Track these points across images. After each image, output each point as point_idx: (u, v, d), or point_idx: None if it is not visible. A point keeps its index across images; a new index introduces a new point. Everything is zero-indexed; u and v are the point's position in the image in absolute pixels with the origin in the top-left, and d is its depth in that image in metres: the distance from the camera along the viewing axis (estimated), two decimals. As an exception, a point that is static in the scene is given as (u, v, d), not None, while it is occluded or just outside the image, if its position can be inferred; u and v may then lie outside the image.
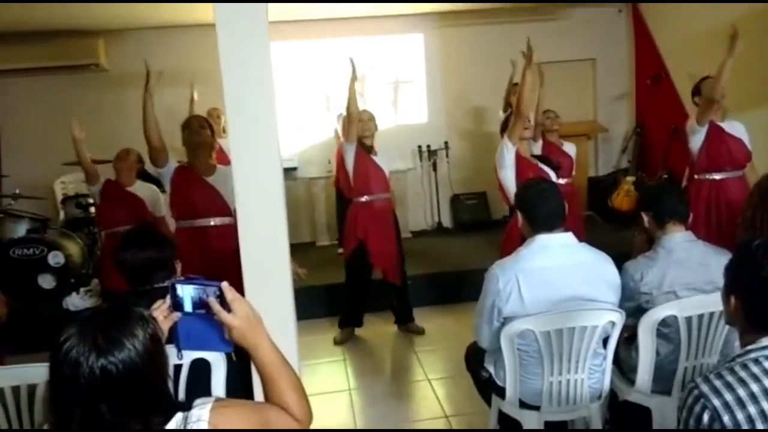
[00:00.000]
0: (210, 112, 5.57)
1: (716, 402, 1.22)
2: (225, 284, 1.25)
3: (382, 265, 4.14)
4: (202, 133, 3.34)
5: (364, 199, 4.08)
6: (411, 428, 3.05)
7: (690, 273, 2.23)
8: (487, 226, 6.39)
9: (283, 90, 6.27)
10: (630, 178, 5.97)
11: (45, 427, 1.18)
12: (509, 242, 2.94)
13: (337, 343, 4.21)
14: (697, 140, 3.55)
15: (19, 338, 3.81)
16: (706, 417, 1.23)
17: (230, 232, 3.24)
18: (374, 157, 4.10)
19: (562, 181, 4.35)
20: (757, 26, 4.86)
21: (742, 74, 4.74)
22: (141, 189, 4.00)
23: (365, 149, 4.07)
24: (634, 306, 2.27)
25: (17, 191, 5.06)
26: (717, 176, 3.55)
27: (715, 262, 2.20)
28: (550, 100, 5.02)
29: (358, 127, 3.99)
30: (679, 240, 2.30)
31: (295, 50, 6.46)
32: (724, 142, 3.51)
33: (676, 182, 4.52)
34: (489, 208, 6.69)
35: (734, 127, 3.58)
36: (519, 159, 3.43)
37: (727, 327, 2.14)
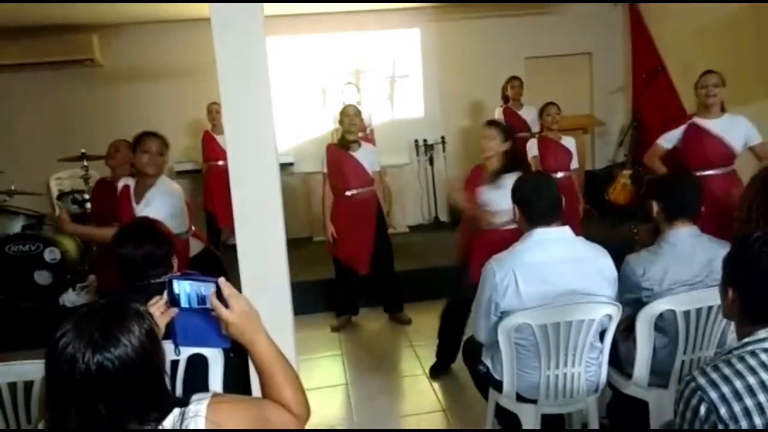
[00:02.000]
0: (210, 108, 5.57)
1: (713, 394, 1.22)
2: (222, 280, 1.25)
3: (345, 255, 4.18)
4: (159, 163, 3.06)
5: (345, 194, 4.14)
6: (408, 421, 3.06)
7: (694, 269, 2.20)
8: (484, 220, 6.39)
9: (279, 85, 6.25)
10: (626, 172, 5.96)
11: (41, 423, 1.18)
12: (478, 252, 2.91)
13: (334, 329, 4.27)
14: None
15: (14, 335, 3.81)
16: (702, 409, 1.23)
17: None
18: (354, 153, 4.12)
19: (560, 174, 4.38)
20: (753, 19, 4.85)
21: (737, 67, 4.75)
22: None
23: (343, 146, 4.11)
24: (634, 298, 2.26)
25: (12, 187, 5.03)
26: (703, 173, 3.53)
27: (720, 256, 2.19)
28: (547, 95, 5.03)
29: (344, 122, 4.14)
30: (684, 235, 2.25)
31: (291, 45, 6.44)
32: (701, 143, 3.50)
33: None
34: (486, 202, 6.68)
35: (732, 123, 3.49)
36: None
37: (724, 321, 2.15)
